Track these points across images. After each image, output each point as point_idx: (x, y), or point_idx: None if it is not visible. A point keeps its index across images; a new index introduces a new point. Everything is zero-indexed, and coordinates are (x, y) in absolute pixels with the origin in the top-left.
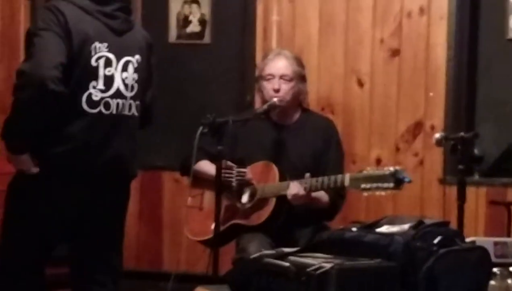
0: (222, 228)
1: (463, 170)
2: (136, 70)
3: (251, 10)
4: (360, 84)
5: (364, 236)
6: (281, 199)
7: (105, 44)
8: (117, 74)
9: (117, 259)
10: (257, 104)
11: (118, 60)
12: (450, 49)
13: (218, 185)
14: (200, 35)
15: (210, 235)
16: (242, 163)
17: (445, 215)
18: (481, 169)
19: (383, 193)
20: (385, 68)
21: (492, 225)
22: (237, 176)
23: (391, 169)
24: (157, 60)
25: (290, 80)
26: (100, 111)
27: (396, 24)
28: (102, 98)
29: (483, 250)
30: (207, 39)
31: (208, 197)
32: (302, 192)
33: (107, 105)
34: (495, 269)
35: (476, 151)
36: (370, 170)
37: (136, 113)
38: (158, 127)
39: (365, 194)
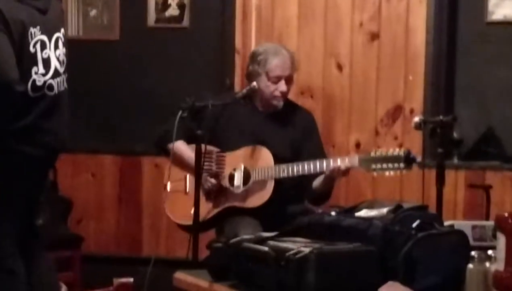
0: (216, 210)
1: (442, 153)
2: (63, 44)
3: None
4: (339, 68)
5: (343, 220)
6: (278, 181)
7: (38, 28)
8: (52, 54)
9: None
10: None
11: (50, 40)
12: (429, 33)
13: (198, 169)
14: (179, 19)
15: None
16: (221, 147)
17: (424, 199)
18: (460, 153)
19: (392, 173)
20: (364, 52)
21: (471, 208)
22: (216, 160)
23: (401, 149)
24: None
25: (292, 78)
26: (44, 94)
27: (375, 8)
28: (45, 82)
29: (461, 234)
30: (186, 22)
31: (193, 181)
32: (343, 166)
33: (50, 87)
34: (473, 253)
35: (455, 134)
36: (377, 151)
37: (66, 87)
38: (137, 112)
39: (375, 174)
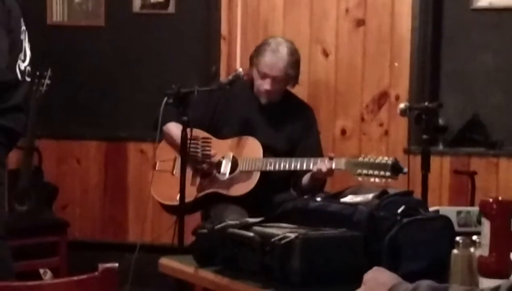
0: (199, 194)
1: (427, 139)
2: (27, 36)
3: None
4: (325, 54)
5: (328, 206)
6: (265, 173)
7: (22, 18)
8: (26, 44)
9: None
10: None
11: (23, 30)
12: (415, 19)
13: (184, 154)
14: (164, 5)
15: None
16: (214, 132)
17: (409, 185)
18: (446, 139)
19: (377, 180)
20: (350, 38)
21: (456, 194)
22: (202, 146)
23: (389, 158)
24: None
25: (282, 80)
26: (25, 80)
27: None
28: (25, 68)
29: (446, 219)
30: (171, 9)
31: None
32: (332, 168)
33: (28, 73)
34: (458, 238)
35: (440, 121)
36: (366, 157)
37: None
38: (122, 98)
39: (360, 178)
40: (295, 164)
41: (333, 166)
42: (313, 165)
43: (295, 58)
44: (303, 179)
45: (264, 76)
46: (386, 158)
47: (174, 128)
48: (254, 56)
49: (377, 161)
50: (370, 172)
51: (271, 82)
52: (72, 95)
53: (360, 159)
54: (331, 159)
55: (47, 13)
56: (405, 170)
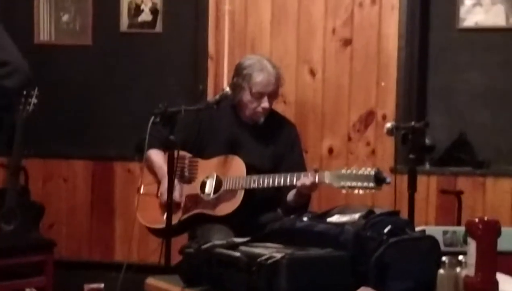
0: (184, 216)
1: (414, 159)
2: None
3: None
4: (312, 73)
5: (315, 226)
6: (249, 191)
7: None
8: None
9: None
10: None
11: None
12: (401, 39)
13: (170, 174)
14: (151, 24)
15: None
16: (199, 153)
17: (396, 204)
18: (432, 158)
19: (361, 192)
20: (337, 57)
21: (442, 213)
22: (189, 166)
23: (372, 169)
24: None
25: (276, 93)
26: None
27: (348, 14)
28: None
29: (432, 239)
30: (159, 28)
31: (166, 185)
32: (315, 182)
33: None
34: (444, 258)
35: (427, 140)
36: (349, 169)
37: None
38: (109, 117)
39: (344, 191)
40: (279, 179)
41: (317, 180)
42: (297, 180)
43: (279, 69)
44: (288, 196)
45: (260, 96)
46: (369, 169)
47: (155, 157)
48: (242, 82)
49: (360, 172)
50: (354, 183)
51: (269, 99)
52: (59, 115)
53: (343, 171)
54: (316, 171)
55: (34, 32)
56: (389, 179)
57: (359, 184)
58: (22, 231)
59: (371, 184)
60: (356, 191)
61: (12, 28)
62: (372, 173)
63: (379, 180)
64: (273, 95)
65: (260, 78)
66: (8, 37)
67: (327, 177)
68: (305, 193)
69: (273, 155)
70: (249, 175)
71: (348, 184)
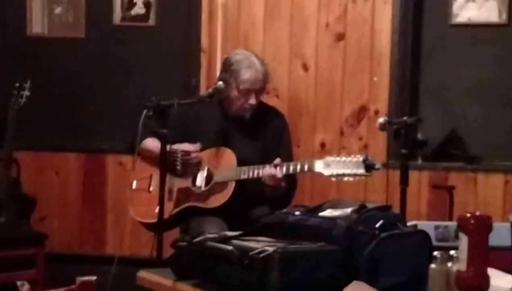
0: (176, 210)
1: (406, 154)
2: None
3: None
4: (305, 68)
5: (307, 220)
6: (240, 183)
7: None
8: None
9: None
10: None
11: None
12: (394, 34)
13: (162, 167)
14: (144, 17)
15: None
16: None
17: (388, 199)
18: (424, 153)
19: (351, 179)
20: (330, 52)
21: (434, 208)
22: (181, 159)
23: (361, 156)
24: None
25: (263, 90)
26: None
27: (341, 8)
28: None
29: (424, 234)
30: (152, 21)
31: (157, 179)
32: (280, 174)
33: None
34: (435, 253)
35: (419, 135)
36: (338, 157)
37: None
38: (102, 110)
39: (333, 179)
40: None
41: (278, 174)
42: (286, 169)
43: (266, 66)
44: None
45: (247, 92)
46: (358, 155)
47: (152, 143)
48: (229, 78)
49: (349, 159)
50: (342, 171)
51: (256, 95)
52: (51, 107)
53: (332, 158)
54: (275, 166)
55: (27, 24)
56: (378, 165)
57: (348, 171)
58: (14, 224)
59: (361, 171)
60: (346, 179)
61: (5, 20)
62: (361, 159)
63: (368, 166)
64: (260, 92)
65: (247, 75)
66: None
67: (318, 166)
68: (268, 185)
69: (263, 147)
70: (239, 167)
71: (337, 171)
